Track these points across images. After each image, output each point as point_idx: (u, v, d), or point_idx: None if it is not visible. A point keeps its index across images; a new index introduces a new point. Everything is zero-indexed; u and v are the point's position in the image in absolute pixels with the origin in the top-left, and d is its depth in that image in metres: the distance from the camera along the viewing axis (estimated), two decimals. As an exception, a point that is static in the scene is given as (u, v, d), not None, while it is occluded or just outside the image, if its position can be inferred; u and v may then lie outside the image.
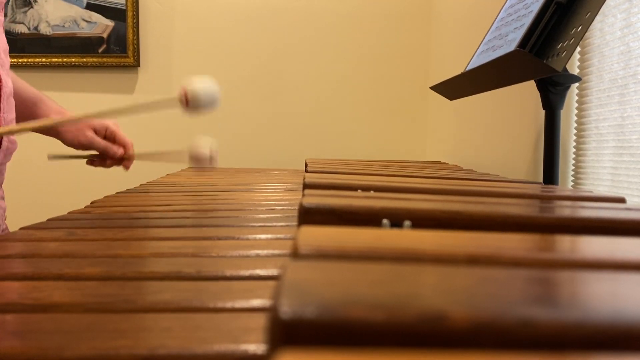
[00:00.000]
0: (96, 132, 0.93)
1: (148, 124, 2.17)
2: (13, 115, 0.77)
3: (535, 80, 0.97)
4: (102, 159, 0.97)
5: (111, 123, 0.95)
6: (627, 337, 0.17)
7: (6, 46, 0.78)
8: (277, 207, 0.79)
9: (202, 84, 0.74)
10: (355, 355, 0.15)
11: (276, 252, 0.49)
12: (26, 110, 0.88)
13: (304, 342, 0.16)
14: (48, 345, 0.28)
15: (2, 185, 0.82)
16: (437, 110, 2.20)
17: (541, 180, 1.00)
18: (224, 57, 2.28)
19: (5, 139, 0.76)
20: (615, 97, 1.03)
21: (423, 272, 0.22)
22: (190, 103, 0.72)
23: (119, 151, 0.95)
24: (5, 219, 0.83)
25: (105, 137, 0.94)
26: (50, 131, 0.93)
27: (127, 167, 0.98)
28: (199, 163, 0.90)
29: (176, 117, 2.25)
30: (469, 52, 1.19)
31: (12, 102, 0.78)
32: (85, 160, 0.98)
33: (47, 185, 2.18)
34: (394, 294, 0.19)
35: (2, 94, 0.74)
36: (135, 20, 2.23)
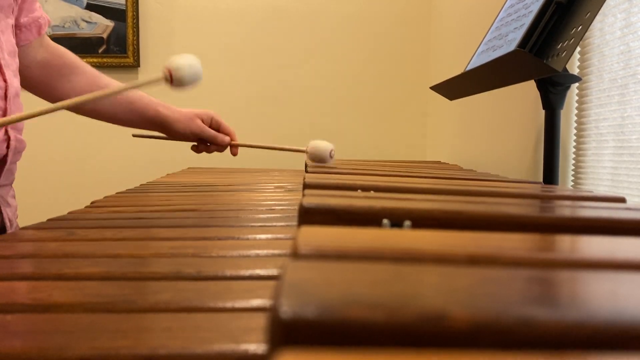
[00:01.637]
0: (203, 121, 0.99)
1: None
2: (20, 114, 0.76)
3: (535, 80, 0.97)
4: (205, 145, 1.02)
5: (214, 113, 1.01)
6: (627, 337, 0.17)
7: (13, 48, 0.79)
8: (277, 207, 0.79)
9: (184, 60, 0.74)
10: (355, 355, 0.15)
11: (276, 252, 0.49)
12: (129, 112, 0.95)
13: (304, 342, 0.16)
14: (48, 345, 0.28)
15: (13, 185, 0.83)
16: (437, 110, 2.20)
17: (541, 180, 1.00)
18: (223, 58, 2.28)
19: (13, 138, 0.77)
20: (615, 97, 1.03)
21: (423, 272, 0.22)
22: (174, 81, 0.73)
23: (226, 139, 1.02)
24: (17, 217, 0.84)
25: (210, 126, 1.01)
26: (159, 121, 0.96)
27: (234, 154, 1.04)
28: (320, 161, 0.98)
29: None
30: (469, 52, 1.19)
31: (19, 102, 0.79)
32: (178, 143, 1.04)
33: (47, 185, 2.18)
34: (394, 294, 0.19)
35: (8, 95, 0.74)
36: (135, 21, 2.23)
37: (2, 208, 0.79)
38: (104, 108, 0.96)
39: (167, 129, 0.99)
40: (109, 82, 0.99)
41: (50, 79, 0.92)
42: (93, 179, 1.90)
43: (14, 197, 0.83)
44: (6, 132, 0.75)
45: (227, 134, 1.02)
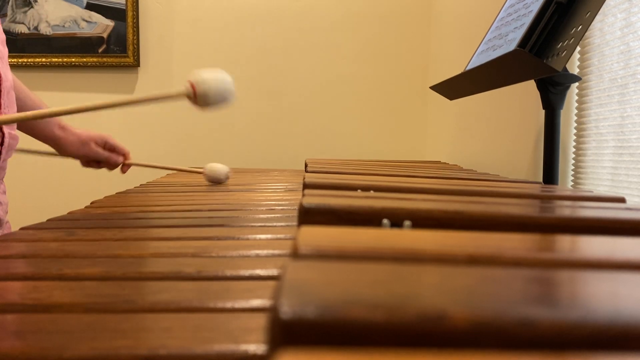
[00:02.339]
0: (97, 144, 1.03)
1: (146, 121, 2.17)
2: (14, 109, 0.78)
3: (535, 80, 0.97)
4: (96, 163, 1.07)
5: (108, 136, 1.05)
6: (627, 337, 0.17)
7: (3, 36, 0.78)
8: (277, 207, 0.79)
9: (212, 77, 0.65)
10: (355, 355, 0.15)
11: (276, 252, 0.49)
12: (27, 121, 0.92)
13: (304, 342, 0.16)
14: (48, 345, 0.28)
15: (4, 180, 0.84)
16: (437, 110, 2.20)
17: (541, 180, 1.00)
18: (223, 57, 2.28)
19: (7, 135, 0.77)
20: (615, 96, 1.03)
21: (423, 272, 0.22)
22: (199, 99, 0.64)
23: (120, 159, 1.07)
24: (7, 214, 0.84)
25: (105, 148, 1.05)
26: (52, 141, 0.99)
27: (124, 172, 1.10)
28: (215, 182, 1.05)
29: (174, 117, 2.25)
30: (469, 52, 1.19)
31: (13, 95, 0.78)
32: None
33: (47, 185, 2.18)
34: (394, 294, 0.19)
35: (2, 89, 0.73)
36: (135, 20, 2.23)
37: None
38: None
39: (60, 149, 1.02)
40: (36, 97, 0.98)
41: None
42: (93, 179, 1.90)
43: (4, 192, 0.83)
44: (0, 128, 0.75)
45: (122, 154, 1.08)
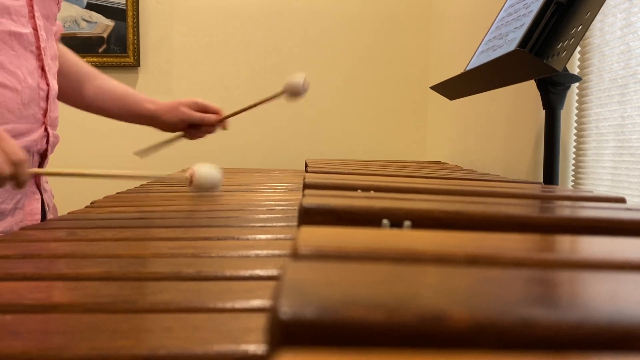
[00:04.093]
0: (188, 106, 1.05)
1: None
2: (57, 113, 0.86)
3: (535, 80, 0.97)
4: (197, 130, 1.08)
5: (197, 99, 1.07)
6: (627, 337, 0.17)
7: (55, 52, 0.86)
8: (277, 207, 0.79)
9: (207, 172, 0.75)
10: (355, 356, 0.15)
11: (276, 252, 0.49)
12: (122, 108, 1.03)
13: (303, 343, 0.16)
14: (48, 346, 0.28)
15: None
16: (437, 110, 2.20)
17: (541, 180, 1.00)
18: (223, 57, 2.28)
19: (51, 134, 0.85)
20: (616, 96, 1.03)
21: (423, 273, 0.22)
22: (194, 186, 0.74)
23: (213, 117, 1.07)
24: (53, 198, 0.92)
25: (197, 110, 1.07)
26: (148, 117, 1.04)
27: (225, 128, 1.11)
28: (294, 94, 1.06)
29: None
30: (469, 52, 1.19)
31: (57, 102, 0.87)
32: (179, 138, 1.10)
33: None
34: (394, 294, 0.19)
35: (50, 97, 0.82)
36: (135, 20, 2.23)
37: (42, 194, 0.86)
38: (98, 103, 1.03)
39: (156, 122, 1.05)
40: (118, 84, 1.07)
41: (70, 88, 0.99)
42: (93, 178, 1.89)
43: (47, 182, 0.91)
44: (45, 129, 0.82)
45: (214, 112, 1.08)
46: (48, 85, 0.81)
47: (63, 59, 0.95)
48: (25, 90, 0.77)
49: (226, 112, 1.10)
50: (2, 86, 0.74)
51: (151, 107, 1.04)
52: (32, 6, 0.77)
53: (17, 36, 0.75)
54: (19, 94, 0.76)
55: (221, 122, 1.09)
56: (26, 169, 0.66)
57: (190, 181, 0.74)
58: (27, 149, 0.78)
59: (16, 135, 0.75)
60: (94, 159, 2.14)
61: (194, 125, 1.07)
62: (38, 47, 0.79)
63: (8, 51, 0.75)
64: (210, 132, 1.10)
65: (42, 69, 0.80)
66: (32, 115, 0.79)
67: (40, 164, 0.84)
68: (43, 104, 0.81)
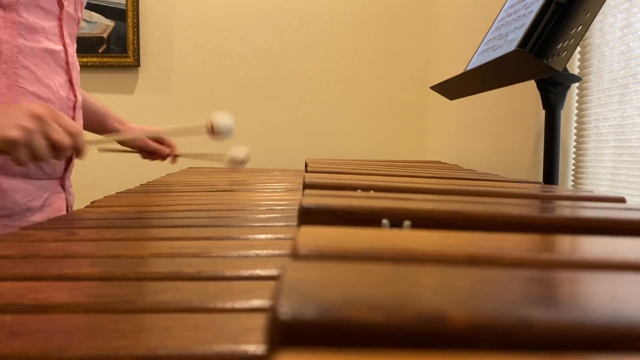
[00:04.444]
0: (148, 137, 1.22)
1: (149, 121, 2.17)
2: (82, 122, 0.96)
3: (535, 80, 0.97)
4: (151, 155, 1.25)
5: (158, 129, 1.22)
6: (627, 338, 0.17)
7: (78, 67, 0.97)
8: (277, 207, 0.79)
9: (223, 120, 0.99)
10: (354, 356, 0.15)
11: (276, 252, 0.49)
12: (95, 122, 1.14)
13: (303, 343, 0.16)
14: (48, 346, 0.28)
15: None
16: (437, 110, 2.20)
17: (541, 180, 1.00)
18: (223, 57, 2.28)
19: None
20: (616, 96, 1.03)
21: (423, 273, 0.22)
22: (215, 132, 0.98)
23: (167, 150, 1.24)
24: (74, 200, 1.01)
25: (155, 141, 1.24)
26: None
27: (174, 162, 1.27)
28: (235, 166, 1.18)
29: (175, 117, 2.25)
30: (469, 52, 1.19)
31: (81, 111, 0.97)
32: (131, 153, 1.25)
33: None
34: (394, 295, 0.19)
35: (76, 107, 0.92)
36: (135, 20, 2.23)
37: (67, 196, 0.95)
38: (85, 118, 1.12)
39: (120, 140, 1.20)
40: (95, 100, 1.18)
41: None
42: (93, 179, 1.90)
43: (71, 185, 0.99)
44: None
45: (169, 146, 1.25)
46: (75, 96, 0.91)
47: None
48: (57, 100, 0.85)
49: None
50: (38, 97, 0.82)
51: (119, 127, 1.18)
52: (61, 27, 0.87)
53: (51, 53, 0.84)
54: (52, 104, 0.83)
55: (172, 157, 1.26)
56: (83, 140, 0.76)
57: (211, 128, 0.95)
58: None
59: None
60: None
61: (149, 151, 1.24)
62: (67, 63, 0.89)
63: (44, 66, 0.83)
64: (161, 159, 1.27)
65: (70, 82, 0.90)
66: None
67: (66, 168, 0.93)
68: (71, 113, 0.90)
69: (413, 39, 2.31)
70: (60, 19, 0.86)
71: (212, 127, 0.97)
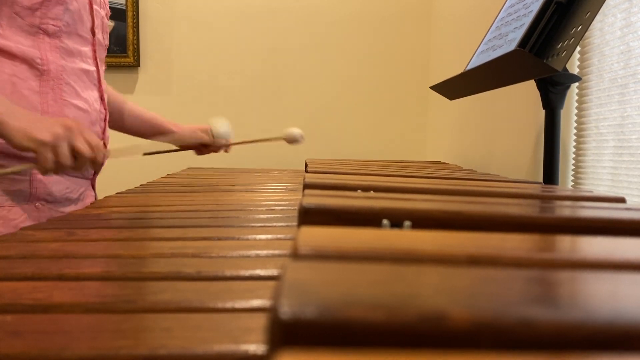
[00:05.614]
0: (202, 131, 1.31)
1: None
2: (108, 133, 1.08)
3: (535, 80, 0.97)
4: (205, 149, 1.34)
5: (206, 126, 1.33)
6: (627, 337, 0.17)
7: (106, 85, 1.11)
8: (277, 207, 0.79)
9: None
10: (355, 356, 0.15)
11: (276, 252, 0.49)
12: (150, 127, 1.29)
13: (303, 343, 0.16)
14: (48, 346, 0.28)
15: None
16: (437, 110, 2.20)
17: (541, 180, 1.00)
18: (223, 58, 2.28)
19: (106, 147, 1.05)
20: (615, 96, 1.03)
21: (423, 273, 0.22)
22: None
23: (223, 142, 1.33)
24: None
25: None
26: (172, 139, 1.29)
27: (227, 151, 1.38)
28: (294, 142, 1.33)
29: (176, 118, 2.24)
30: (469, 52, 1.19)
31: (107, 124, 1.09)
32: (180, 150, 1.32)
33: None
34: (394, 294, 0.19)
35: (106, 119, 1.05)
36: (135, 20, 2.23)
37: (95, 194, 1.06)
38: (135, 128, 1.30)
39: (177, 141, 1.30)
40: (142, 109, 1.33)
41: (113, 114, 1.19)
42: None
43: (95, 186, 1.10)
44: (104, 144, 1.03)
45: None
46: (105, 110, 1.05)
47: (108, 92, 1.16)
48: (93, 112, 0.99)
49: (238, 137, 1.38)
50: (79, 109, 0.95)
51: (174, 129, 1.30)
52: (94, 51, 1.02)
53: (86, 72, 0.99)
54: (89, 115, 0.98)
55: (227, 147, 1.36)
56: (102, 154, 0.89)
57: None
58: None
59: None
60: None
61: (204, 145, 1.32)
62: (99, 81, 1.03)
63: (81, 83, 0.97)
64: (215, 152, 1.36)
65: (102, 97, 1.04)
66: (96, 133, 0.99)
67: (95, 172, 1.06)
68: (102, 124, 1.03)
69: (413, 39, 2.31)
70: (93, 44, 1.01)
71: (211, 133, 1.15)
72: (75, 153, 0.83)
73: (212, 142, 1.31)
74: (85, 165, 0.85)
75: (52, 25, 0.91)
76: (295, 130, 1.35)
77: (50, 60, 0.91)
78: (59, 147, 0.81)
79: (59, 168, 0.82)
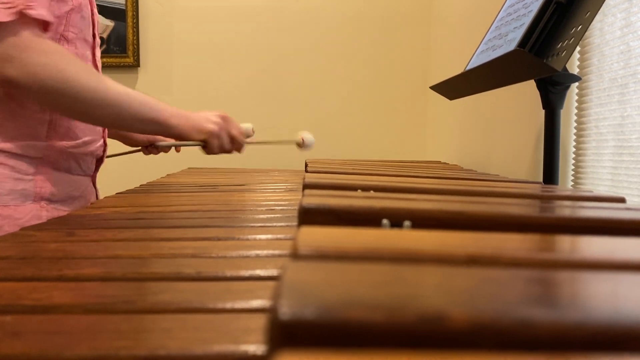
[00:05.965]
0: None
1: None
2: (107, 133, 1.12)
3: (535, 80, 0.97)
4: (155, 149, 1.30)
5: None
6: (627, 338, 0.17)
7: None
8: (277, 207, 0.79)
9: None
10: (354, 356, 0.15)
11: (276, 252, 0.49)
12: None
13: (303, 343, 0.16)
14: (48, 346, 0.28)
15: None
16: (437, 110, 2.20)
17: (541, 180, 1.00)
18: (224, 58, 2.28)
19: (106, 144, 1.08)
20: (615, 96, 1.03)
21: (423, 273, 0.22)
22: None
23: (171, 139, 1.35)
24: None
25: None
26: (121, 136, 1.23)
27: (178, 150, 1.34)
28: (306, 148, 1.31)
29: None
30: (469, 52, 1.19)
31: None
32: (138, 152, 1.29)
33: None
34: (394, 295, 0.19)
35: None
36: (135, 20, 2.23)
37: (96, 191, 1.09)
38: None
39: (127, 139, 1.24)
40: None
41: None
42: None
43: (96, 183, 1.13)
44: (104, 140, 1.07)
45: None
46: None
47: None
48: None
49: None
50: None
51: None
52: (94, 54, 1.04)
53: None
54: None
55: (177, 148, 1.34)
56: (244, 139, 1.07)
57: (302, 143, 1.20)
58: (92, 154, 1.02)
59: (88, 143, 1.00)
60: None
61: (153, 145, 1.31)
62: None
63: None
64: (165, 152, 1.32)
65: None
66: (98, 131, 1.03)
67: (97, 167, 1.08)
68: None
69: (413, 40, 2.31)
70: (93, 47, 1.04)
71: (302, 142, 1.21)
72: (232, 138, 1.02)
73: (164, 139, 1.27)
74: (239, 147, 1.05)
75: (72, 32, 0.95)
76: (310, 137, 1.32)
77: None
78: (221, 135, 1.00)
79: (221, 151, 1.00)
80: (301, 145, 1.28)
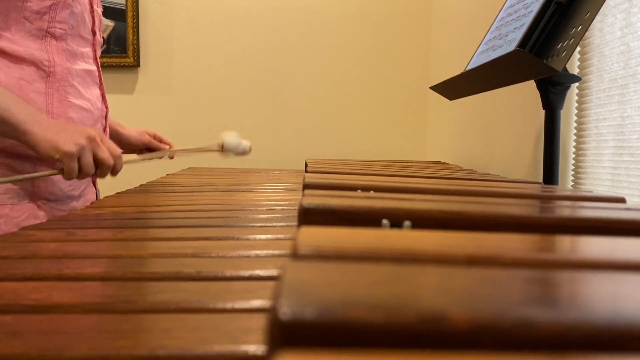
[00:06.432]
0: (149, 135, 1.29)
1: (149, 124, 2.17)
2: (108, 129, 1.11)
3: (535, 80, 0.97)
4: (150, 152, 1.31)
5: (154, 131, 1.32)
6: (627, 338, 0.17)
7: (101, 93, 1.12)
8: (277, 207, 0.79)
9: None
10: (355, 357, 0.15)
11: (276, 252, 0.49)
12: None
13: (303, 343, 0.16)
14: (48, 346, 0.28)
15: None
16: (437, 110, 2.20)
17: (541, 180, 1.00)
18: (224, 57, 2.28)
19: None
20: (615, 96, 1.03)
21: (423, 273, 0.22)
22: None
23: (166, 147, 1.31)
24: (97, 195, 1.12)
25: (154, 139, 1.31)
26: (116, 137, 1.21)
27: (172, 158, 1.33)
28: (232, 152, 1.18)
29: (175, 118, 2.25)
30: (469, 52, 1.19)
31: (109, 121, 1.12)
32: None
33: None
34: (394, 295, 0.19)
35: (107, 116, 1.08)
36: (135, 20, 2.23)
37: (96, 190, 1.09)
38: None
39: (123, 142, 1.25)
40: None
41: None
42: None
43: (97, 182, 1.12)
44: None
45: (167, 143, 1.33)
46: (106, 107, 1.08)
47: None
48: (95, 111, 1.02)
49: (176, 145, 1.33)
50: (82, 109, 0.98)
51: (121, 130, 1.25)
52: (94, 51, 1.04)
53: (89, 72, 1.01)
54: (92, 114, 1.00)
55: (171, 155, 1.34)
56: (121, 161, 0.93)
57: (222, 148, 1.07)
58: None
59: None
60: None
61: (149, 149, 1.30)
62: (100, 80, 1.06)
63: (84, 84, 1.00)
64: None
65: (103, 96, 1.07)
66: (97, 130, 1.01)
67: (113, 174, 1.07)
68: (103, 122, 1.06)
69: (413, 39, 2.31)
70: (94, 44, 1.04)
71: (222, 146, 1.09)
72: (97, 162, 0.88)
73: (157, 147, 1.27)
74: (107, 172, 0.90)
75: (59, 28, 0.93)
76: (233, 140, 1.15)
77: (57, 62, 0.93)
78: (83, 157, 0.86)
79: (82, 176, 0.87)
80: (221, 151, 1.12)
